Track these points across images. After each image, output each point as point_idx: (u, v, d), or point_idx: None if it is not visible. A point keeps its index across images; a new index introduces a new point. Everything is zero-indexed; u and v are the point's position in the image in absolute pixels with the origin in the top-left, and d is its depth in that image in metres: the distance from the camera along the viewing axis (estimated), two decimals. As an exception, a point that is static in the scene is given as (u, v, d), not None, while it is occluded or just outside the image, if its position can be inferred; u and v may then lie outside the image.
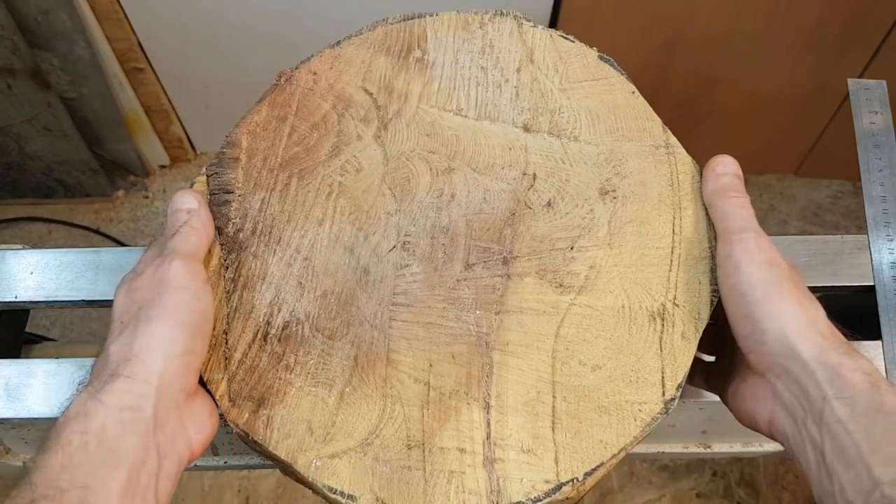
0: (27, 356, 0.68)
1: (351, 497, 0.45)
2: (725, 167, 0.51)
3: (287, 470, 0.48)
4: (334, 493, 0.46)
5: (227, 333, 0.50)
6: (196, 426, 0.45)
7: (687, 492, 1.25)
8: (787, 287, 0.45)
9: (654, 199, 0.52)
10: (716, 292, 0.49)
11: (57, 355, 0.60)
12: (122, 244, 1.58)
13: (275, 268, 0.51)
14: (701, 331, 0.49)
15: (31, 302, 0.59)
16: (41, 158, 1.48)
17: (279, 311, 0.50)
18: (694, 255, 0.50)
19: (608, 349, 0.48)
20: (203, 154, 1.68)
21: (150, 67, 1.40)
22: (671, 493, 1.27)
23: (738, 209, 0.49)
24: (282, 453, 0.47)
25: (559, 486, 0.45)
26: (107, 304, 0.59)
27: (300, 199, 0.53)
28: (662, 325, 0.49)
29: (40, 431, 0.58)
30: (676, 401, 0.47)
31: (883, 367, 0.54)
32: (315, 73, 0.57)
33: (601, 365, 0.48)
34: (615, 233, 0.51)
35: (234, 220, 0.53)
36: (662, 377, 0.47)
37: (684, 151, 0.54)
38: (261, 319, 0.50)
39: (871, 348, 0.55)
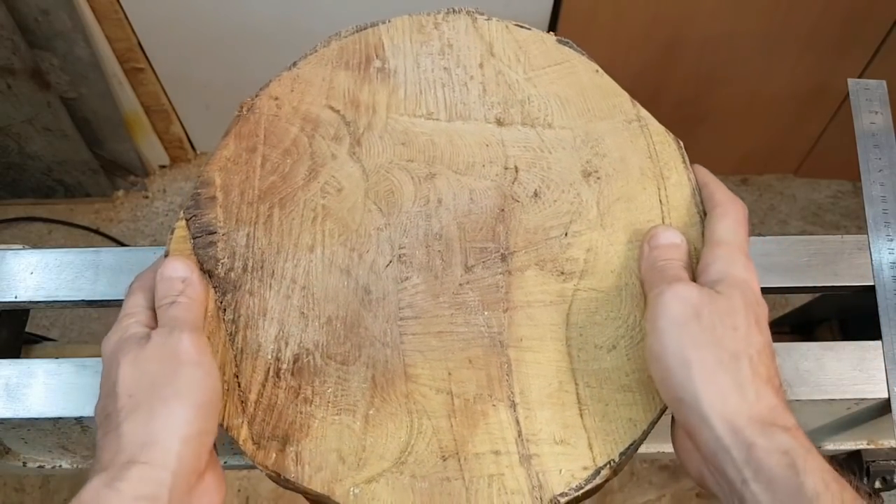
0: (27, 356, 0.68)
1: None
2: (657, 240, 0.48)
3: (324, 502, 0.47)
4: None
5: (238, 376, 0.49)
6: (207, 501, 0.44)
7: (687, 492, 1.25)
8: (704, 347, 0.42)
9: (637, 174, 0.52)
10: None
11: (57, 355, 0.59)
12: (122, 244, 1.58)
13: (274, 302, 0.50)
14: None
15: (31, 302, 0.58)
16: (41, 158, 1.48)
17: (287, 345, 0.49)
18: (685, 222, 0.51)
19: (620, 328, 0.49)
20: (203, 154, 1.67)
21: (150, 67, 1.40)
22: (671, 493, 1.27)
23: (663, 272, 0.46)
24: (317, 487, 0.46)
25: (598, 471, 0.46)
26: (106, 304, 0.58)
27: (286, 229, 0.52)
28: None
29: (40, 431, 0.58)
30: None
31: (883, 367, 0.54)
32: (277, 98, 0.55)
33: (616, 345, 0.48)
34: (605, 213, 0.52)
35: (222, 261, 0.51)
36: None
37: (656, 122, 0.54)
38: (269, 356, 0.49)
39: (872, 348, 0.54)
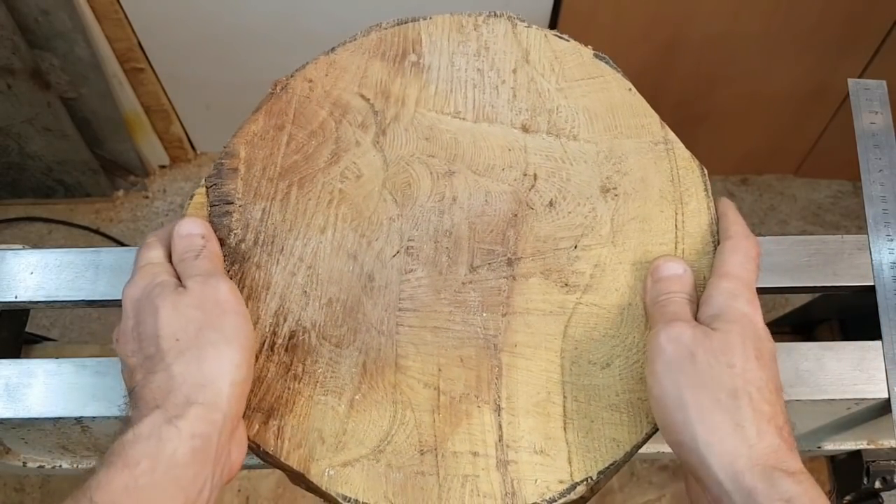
0: (27, 356, 0.68)
1: None
2: (660, 272, 0.48)
3: (299, 479, 0.47)
4: (348, 501, 0.46)
5: None
6: (238, 449, 0.45)
7: (687, 492, 1.24)
8: (701, 387, 0.41)
9: (656, 196, 0.52)
10: None
11: (57, 355, 0.60)
12: (122, 244, 1.58)
13: (279, 277, 0.51)
14: None
15: (31, 302, 0.58)
16: (41, 158, 1.48)
17: (285, 321, 0.50)
18: (697, 250, 0.50)
19: (617, 347, 0.48)
20: (203, 154, 1.68)
21: (150, 67, 1.40)
22: (671, 493, 1.27)
23: (664, 308, 0.46)
24: (293, 463, 0.47)
25: (573, 486, 0.45)
26: (106, 304, 0.59)
27: (301, 208, 0.53)
28: None
29: (40, 431, 0.58)
30: None
31: (883, 367, 0.54)
32: (311, 81, 0.56)
33: (610, 363, 0.48)
34: (618, 231, 0.51)
35: (235, 231, 0.52)
36: None
37: (683, 147, 0.54)
38: (266, 329, 0.50)
39: (872, 348, 0.54)
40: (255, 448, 0.47)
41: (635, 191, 0.52)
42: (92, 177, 1.54)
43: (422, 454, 0.46)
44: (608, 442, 0.46)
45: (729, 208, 0.51)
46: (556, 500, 0.45)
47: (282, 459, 0.47)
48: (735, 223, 0.50)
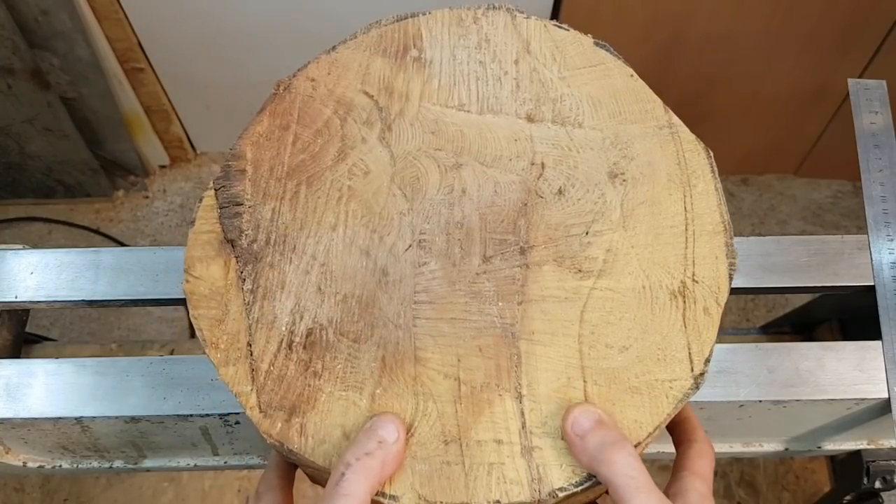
0: (27, 356, 0.68)
1: (393, 497, 0.45)
2: (581, 425, 0.45)
3: (324, 478, 0.47)
4: (376, 495, 0.45)
5: (251, 346, 0.49)
6: None
7: (687, 492, 1.25)
8: None
9: (664, 179, 0.53)
10: (733, 265, 0.50)
11: (57, 355, 0.60)
12: (122, 244, 1.58)
13: (292, 276, 0.51)
14: (723, 304, 0.49)
15: (31, 302, 0.58)
16: (41, 158, 1.48)
17: (301, 319, 0.50)
18: (708, 230, 0.51)
19: (633, 330, 0.49)
20: (203, 154, 1.68)
21: (150, 67, 1.40)
22: (671, 493, 1.26)
23: (627, 466, 0.43)
24: (318, 460, 0.47)
25: None
26: (106, 304, 0.59)
27: (311, 206, 0.53)
28: (684, 302, 0.49)
29: (40, 431, 0.58)
30: (706, 375, 0.47)
31: (883, 367, 0.54)
32: (313, 80, 0.57)
33: (628, 346, 0.48)
34: (628, 215, 0.52)
35: (246, 232, 0.52)
36: (689, 353, 0.48)
37: (687, 130, 0.54)
38: (283, 328, 0.50)
39: (872, 348, 0.55)
40: (279, 446, 0.47)
41: (643, 175, 0.53)
42: (92, 177, 1.55)
43: (446, 444, 0.47)
44: (630, 424, 0.46)
45: (690, 411, 0.51)
46: (583, 484, 0.45)
47: (307, 457, 0.47)
48: (700, 428, 0.50)
